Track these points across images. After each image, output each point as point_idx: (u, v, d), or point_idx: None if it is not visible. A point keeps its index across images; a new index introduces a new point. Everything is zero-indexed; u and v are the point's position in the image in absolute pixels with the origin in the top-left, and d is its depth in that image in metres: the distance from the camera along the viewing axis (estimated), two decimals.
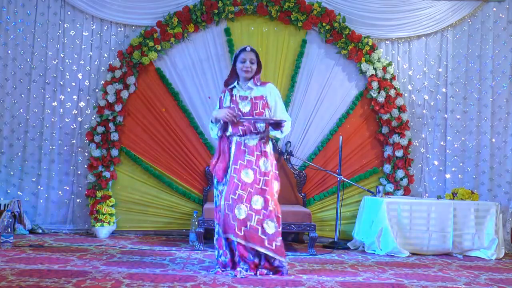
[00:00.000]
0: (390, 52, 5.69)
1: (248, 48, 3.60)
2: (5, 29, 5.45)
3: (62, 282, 2.97)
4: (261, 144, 3.54)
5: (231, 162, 3.51)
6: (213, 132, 3.71)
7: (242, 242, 3.34)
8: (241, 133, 3.52)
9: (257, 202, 3.41)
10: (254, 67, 3.60)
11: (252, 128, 3.51)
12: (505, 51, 5.65)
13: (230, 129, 3.54)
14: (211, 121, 3.67)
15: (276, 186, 3.55)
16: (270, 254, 3.38)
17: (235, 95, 3.62)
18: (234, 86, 3.66)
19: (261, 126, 3.53)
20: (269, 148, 3.59)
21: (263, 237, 3.36)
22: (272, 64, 5.53)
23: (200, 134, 5.43)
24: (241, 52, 3.60)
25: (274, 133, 3.63)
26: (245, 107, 3.55)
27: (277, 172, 3.61)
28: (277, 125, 3.51)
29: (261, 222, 3.38)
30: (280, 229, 3.46)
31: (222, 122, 3.56)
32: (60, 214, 5.41)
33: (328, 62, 5.58)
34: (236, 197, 3.38)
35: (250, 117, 3.50)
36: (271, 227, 3.39)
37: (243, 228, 3.34)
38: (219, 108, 3.66)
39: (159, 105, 5.45)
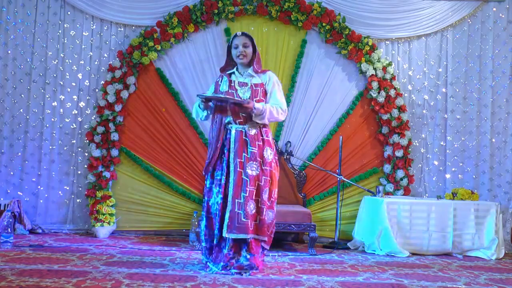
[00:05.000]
0: (390, 52, 5.69)
1: (239, 33, 3.52)
2: (5, 29, 5.45)
3: (62, 282, 2.97)
4: (262, 132, 3.46)
5: (232, 154, 3.41)
6: (197, 114, 3.60)
7: (254, 237, 3.36)
8: (242, 120, 3.43)
9: (265, 194, 3.39)
10: (249, 50, 3.50)
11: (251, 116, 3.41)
12: (505, 51, 5.65)
13: (229, 116, 3.44)
14: (199, 106, 3.54)
15: (276, 176, 3.52)
16: (265, 239, 3.44)
17: (234, 81, 3.53)
18: (233, 72, 3.57)
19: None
20: (270, 136, 3.54)
21: (272, 230, 3.48)
22: (272, 64, 5.52)
23: (200, 134, 5.43)
24: (233, 39, 3.53)
25: (255, 119, 3.43)
26: (245, 94, 3.47)
27: (276, 158, 3.59)
28: (242, 107, 3.34)
29: (266, 213, 3.41)
30: (273, 215, 3.50)
31: (213, 106, 3.45)
32: (60, 214, 5.41)
33: (328, 62, 5.58)
34: (247, 195, 3.33)
35: (207, 95, 3.40)
36: (269, 216, 3.46)
37: (253, 223, 3.35)
38: (213, 93, 3.58)
39: (159, 105, 5.45)
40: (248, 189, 3.33)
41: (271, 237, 3.52)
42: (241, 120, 3.42)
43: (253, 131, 3.42)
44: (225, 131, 3.47)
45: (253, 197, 3.34)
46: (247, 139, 3.40)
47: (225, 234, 3.37)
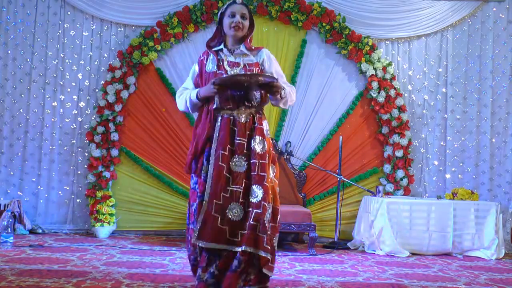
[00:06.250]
0: (390, 52, 5.69)
1: (238, 0, 2.88)
2: (5, 29, 5.45)
3: (62, 282, 2.97)
4: (254, 119, 2.81)
5: (215, 145, 2.75)
6: (184, 104, 2.95)
7: (238, 249, 2.61)
8: (232, 106, 2.78)
9: (256, 193, 2.68)
10: (246, 23, 2.88)
11: (245, 99, 2.77)
12: (505, 51, 5.65)
13: (217, 100, 2.78)
14: (190, 98, 2.90)
15: (273, 170, 2.85)
16: (265, 255, 2.64)
17: (222, 59, 2.88)
18: (221, 49, 2.93)
19: (256, 97, 2.81)
20: (265, 124, 2.87)
21: (262, 235, 2.63)
22: None
23: None
24: (229, 6, 2.89)
25: (274, 102, 2.88)
26: None
27: (274, 153, 2.91)
28: (271, 88, 2.72)
29: (259, 217, 2.64)
30: (277, 225, 2.78)
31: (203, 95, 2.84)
32: (60, 214, 5.41)
33: (328, 62, 5.58)
34: (228, 195, 2.68)
35: (224, 77, 2.70)
36: (267, 221, 2.70)
37: (239, 232, 2.64)
38: (197, 74, 2.97)
39: (159, 105, 5.45)
40: (229, 188, 2.69)
41: (270, 249, 2.67)
42: (230, 105, 2.79)
43: (243, 118, 2.79)
44: (213, 121, 2.82)
45: (239, 199, 2.68)
46: (235, 128, 2.77)
47: (194, 241, 2.69)
